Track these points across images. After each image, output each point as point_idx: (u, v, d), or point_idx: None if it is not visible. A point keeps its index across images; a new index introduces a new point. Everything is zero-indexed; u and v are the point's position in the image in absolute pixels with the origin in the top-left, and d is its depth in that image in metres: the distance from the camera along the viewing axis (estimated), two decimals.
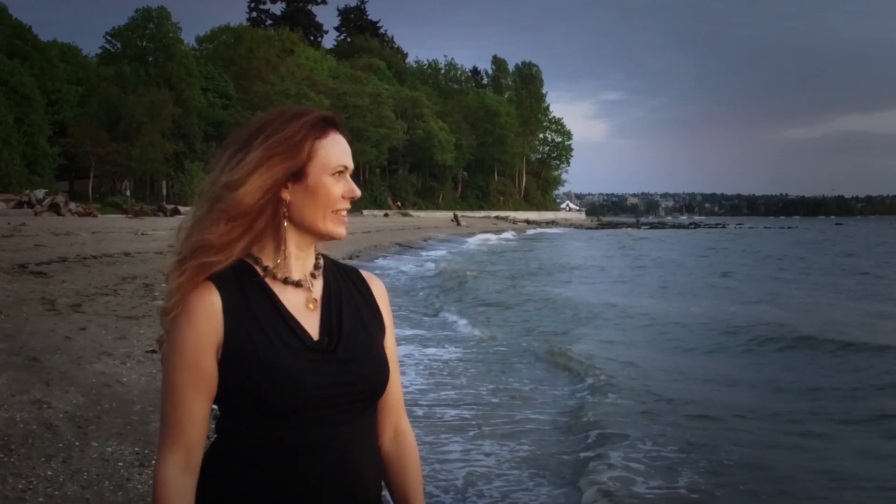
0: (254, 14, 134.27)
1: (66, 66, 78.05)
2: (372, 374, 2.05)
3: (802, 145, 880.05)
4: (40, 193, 55.27)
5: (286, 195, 1.99)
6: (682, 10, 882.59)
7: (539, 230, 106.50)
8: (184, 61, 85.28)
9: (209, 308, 1.92)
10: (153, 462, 6.30)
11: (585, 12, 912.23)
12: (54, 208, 51.10)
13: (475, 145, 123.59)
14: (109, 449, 6.55)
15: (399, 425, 2.22)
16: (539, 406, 10.57)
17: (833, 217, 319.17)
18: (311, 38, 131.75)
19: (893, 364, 12.90)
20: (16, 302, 13.92)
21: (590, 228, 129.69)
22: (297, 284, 2.04)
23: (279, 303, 2.00)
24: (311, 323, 2.02)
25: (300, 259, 2.05)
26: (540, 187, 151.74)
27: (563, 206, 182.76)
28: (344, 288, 2.12)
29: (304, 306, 2.03)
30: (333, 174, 2.01)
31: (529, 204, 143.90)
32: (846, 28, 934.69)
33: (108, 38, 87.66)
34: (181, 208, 65.40)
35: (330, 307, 2.06)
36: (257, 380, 1.90)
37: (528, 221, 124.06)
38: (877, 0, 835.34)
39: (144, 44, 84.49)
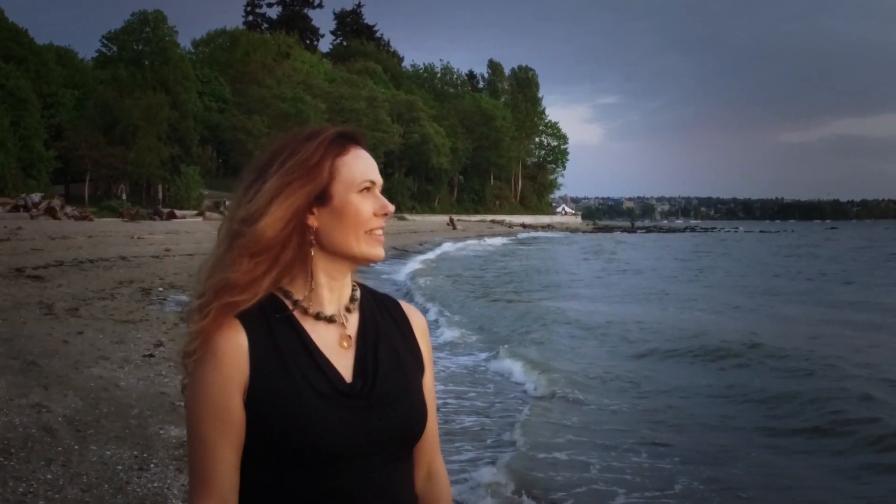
0: (250, 18, 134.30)
1: (62, 70, 77.98)
2: (408, 421, 1.89)
3: (799, 149, 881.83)
4: (36, 197, 55.33)
5: (312, 221, 1.83)
6: (679, 13, 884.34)
7: (532, 234, 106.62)
8: (180, 65, 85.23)
9: (234, 349, 1.77)
10: (152, 465, 6.40)
11: (582, 15, 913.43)
12: (50, 212, 51.08)
13: (471, 149, 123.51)
14: (108, 452, 6.61)
15: (433, 466, 2.07)
16: (478, 412, 10.76)
17: (828, 221, 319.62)
18: (308, 41, 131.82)
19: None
20: (13, 306, 13.98)
21: (585, 232, 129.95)
22: (330, 320, 1.87)
23: (309, 341, 1.83)
24: (343, 363, 1.85)
25: (334, 290, 1.90)
26: (536, 191, 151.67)
27: (559, 209, 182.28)
28: (381, 323, 1.96)
29: (336, 344, 1.86)
30: (360, 191, 1.86)
31: (525, 207, 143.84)
32: (843, 31, 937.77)
33: (105, 41, 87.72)
34: (177, 212, 65.52)
35: (365, 345, 1.89)
36: (281, 426, 1.75)
37: (523, 225, 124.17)
38: (874, 3, 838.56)
39: (140, 47, 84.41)
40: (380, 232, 1.90)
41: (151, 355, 10.86)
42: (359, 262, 1.91)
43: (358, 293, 1.95)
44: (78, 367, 9.62)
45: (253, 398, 1.77)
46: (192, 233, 46.49)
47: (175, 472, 6.34)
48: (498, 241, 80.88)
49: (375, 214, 1.88)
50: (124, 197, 76.49)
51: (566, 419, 10.26)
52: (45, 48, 78.70)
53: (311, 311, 1.86)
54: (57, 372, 9.19)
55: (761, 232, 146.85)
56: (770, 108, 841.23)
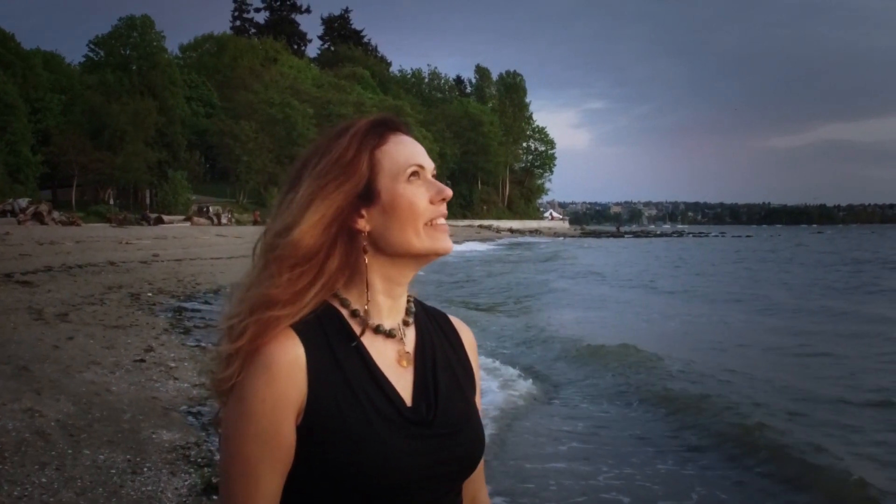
0: (237, 23, 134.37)
1: (49, 75, 77.85)
2: (470, 451, 1.69)
3: (786, 154, 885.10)
4: (23, 202, 55.28)
5: (363, 225, 1.64)
6: (668, 18, 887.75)
7: (517, 239, 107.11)
8: (167, 70, 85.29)
9: (292, 363, 1.55)
10: (145, 469, 6.45)
11: (570, 21, 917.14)
12: (37, 217, 51.12)
13: (459, 154, 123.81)
14: (102, 456, 6.65)
15: (478, 497, 1.89)
16: None
17: (815, 225, 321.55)
18: (295, 46, 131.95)
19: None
20: (3, 311, 13.99)
21: (573, 237, 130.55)
22: (389, 334, 1.68)
23: (369, 358, 1.63)
24: (403, 384, 1.65)
25: (395, 298, 1.70)
26: (523, 196, 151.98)
27: (547, 214, 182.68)
28: (436, 339, 1.77)
29: (395, 362, 1.67)
30: (409, 179, 1.65)
31: (513, 212, 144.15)
32: (831, 36, 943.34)
33: (92, 46, 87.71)
34: (165, 217, 65.49)
35: (424, 365, 1.70)
36: (343, 455, 1.54)
37: (511, 230, 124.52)
38: (862, 9, 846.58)
39: (128, 52, 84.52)
40: (442, 221, 1.67)
41: (142, 360, 10.90)
42: (425, 260, 1.70)
43: (413, 306, 1.76)
44: (69, 372, 9.65)
45: (310, 421, 1.56)
46: (180, 238, 46.50)
47: (168, 475, 6.39)
48: (481, 246, 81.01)
49: (432, 202, 1.66)
50: (112, 202, 76.36)
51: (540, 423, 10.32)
52: (32, 53, 78.56)
53: (370, 323, 1.66)
54: (49, 377, 9.21)
55: (747, 236, 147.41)
56: (758, 113, 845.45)
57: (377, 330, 1.66)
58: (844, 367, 14.48)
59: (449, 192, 1.67)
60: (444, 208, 1.67)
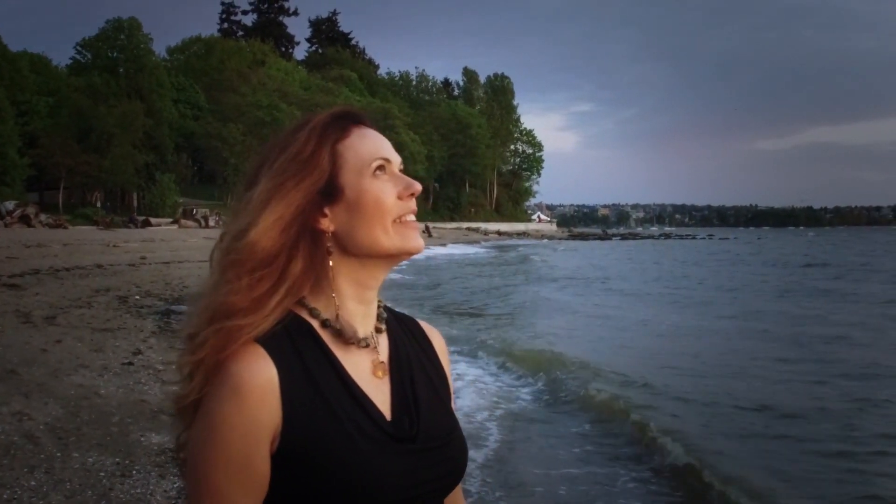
0: (225, 25, 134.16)
1: (36, 77, 77.53)
2: (456, 465, 1.59)
3: (773, 156, 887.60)
4: (10, 205, 55.11)
5: (327, 224, 1.52)
6: (655, 21, 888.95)
7: (501, 241, 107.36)
8: (155, 72, 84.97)
9: (264, 386, 1.41)
10: (134, 472, 6.47)
11: (557, 24, 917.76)
12: (24, 220, 50.98)
13: (446, 157, 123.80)
14: (91, 459, 6.67)
15: None
16: None
17: (802, 228, 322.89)
18: (283, 49, 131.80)
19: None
20: None
21: (560, 239, 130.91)
22: (362, 344, 1.55)
23: (344, 372, 1.50)
24: (380, 397, 1.53)
25: (367, 303, 1.58)
26: (511, 198, 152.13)
27: (534, 217, 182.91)
28: (409, 346, 1.66)
29: (370, 374, 1.54)
30: (374, 174, 1.54)
31: (501, 215, 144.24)
32: (818, 39, 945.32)
33: (79, 48, 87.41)
34: (152, 220, 65.37)
35: (401, 374, 1.59)
36: (325, 480, 1.42)
37: (499, 233, 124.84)
38: (848, 12, 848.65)
39: (115, 55, 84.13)
40: (411, 217, 1.56)
41: (130, 363, 10.91)
42: (395, 260, 1.57)
43: (384, 312, 1.64)
44: (57, 375, 9.66)
45: (286, 446, 1.42)
46: (168, 241, 46.45)
47: (157, 478, 6.41)
48: (468, 248, 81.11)
49: (400, 197, 1.55)
50: (99, 205, 76.16)
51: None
52: (19, 55, 78.17)
53: (345, 333, 1.53)
54: (37, 380, 9.23)
55: (734, 238, 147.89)
56: (745, 117, 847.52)
57: (350, 340, 1.53)
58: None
59: (418, 187, 1.57)
60: (413, 204, 1.56)
